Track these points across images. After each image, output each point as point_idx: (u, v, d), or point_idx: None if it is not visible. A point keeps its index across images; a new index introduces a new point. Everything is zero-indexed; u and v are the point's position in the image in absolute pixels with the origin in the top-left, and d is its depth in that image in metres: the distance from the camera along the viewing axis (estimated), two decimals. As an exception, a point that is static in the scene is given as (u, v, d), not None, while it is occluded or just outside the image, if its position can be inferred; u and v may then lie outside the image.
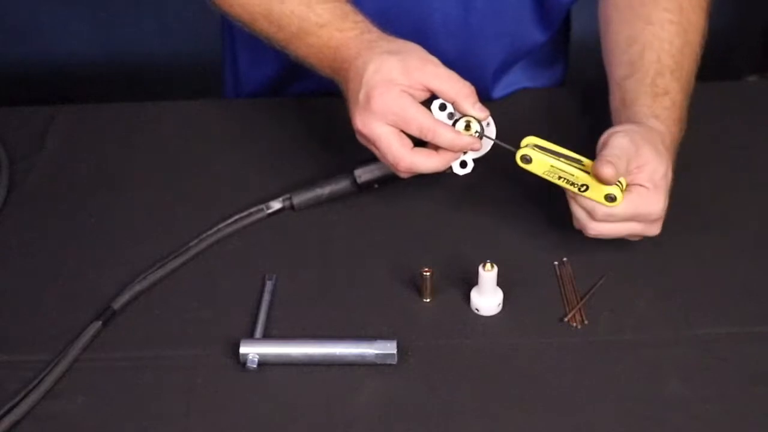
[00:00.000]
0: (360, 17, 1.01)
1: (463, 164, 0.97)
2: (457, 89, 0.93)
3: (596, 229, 0.94)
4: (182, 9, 2.21)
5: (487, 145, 0.96)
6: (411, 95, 0.93)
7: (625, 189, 0.92)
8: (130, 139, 1.18)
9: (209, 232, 1.02)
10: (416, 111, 0.93)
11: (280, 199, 1.05)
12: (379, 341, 0.89)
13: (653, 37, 1.04)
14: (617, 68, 1.06)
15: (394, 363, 0.89)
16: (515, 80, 1.26)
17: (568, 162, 0.93)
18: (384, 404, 0.87)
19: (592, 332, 0.92)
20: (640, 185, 0.92)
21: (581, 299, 0.95)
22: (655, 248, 1.00)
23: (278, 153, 1.13)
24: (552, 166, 0.92)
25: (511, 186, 0.98)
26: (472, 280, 0.94)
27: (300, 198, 1.05)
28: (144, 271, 0.98)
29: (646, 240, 0.99)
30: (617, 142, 0.92)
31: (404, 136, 0.94)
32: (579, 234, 0.96)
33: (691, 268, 0.99)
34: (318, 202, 1.06)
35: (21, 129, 1.18)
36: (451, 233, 1.03)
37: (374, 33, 0.99)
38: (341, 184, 1.05)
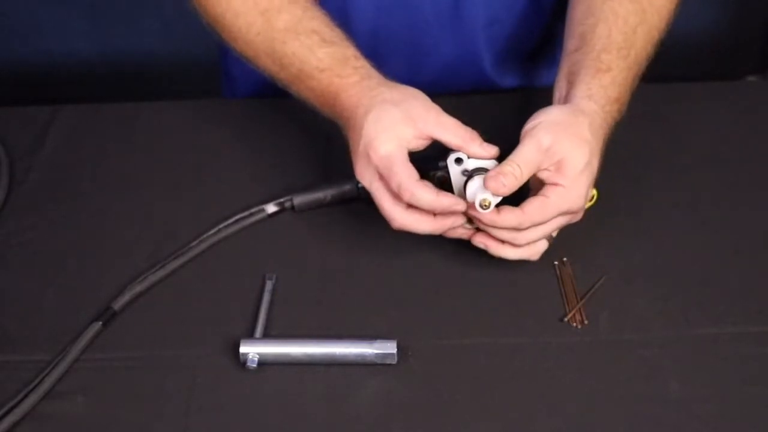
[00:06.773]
0: (361, 62, 0.99)
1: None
2: (461, 135, 0.92)
3: (527, 237, 0.93)
4: (182, 9, 2.20)
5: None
6: (413, 145, 0.92)
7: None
8: (130, 139, 1.18)
9: (209, 233, 1.02)
10: (400, 168, 0.90)
11: (281, 200, 1.05)
12: (379, 341, 0.89)
13: (610, 11, 1.03)
14: (570, 40, 1.05)
15: (394, 363, 0.89)
16: (515, 80, 1.26)
17: None
18: (384, 404, 0.87)
19: (592, 332, 0.92)
20: (558, 185, 0.91)
21: (581, 299, 0.95)
22: (655, 248, 1.00)
23: (278, 153, 1.13)
24: None
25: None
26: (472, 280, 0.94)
27: (301, 200, 1.05)
28: (144, 271, 0.98)
29: (646, 240, 0.99)
30: (526, 154, 0.90)
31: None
32: (579, 234, 0.96)
33: (691, 268, 0.99)
34: (319, 206, 1.05)
35: (21, 129, 1.18)
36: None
37: (374, 79, 0.97)
38: (343, 190, 1.05)
